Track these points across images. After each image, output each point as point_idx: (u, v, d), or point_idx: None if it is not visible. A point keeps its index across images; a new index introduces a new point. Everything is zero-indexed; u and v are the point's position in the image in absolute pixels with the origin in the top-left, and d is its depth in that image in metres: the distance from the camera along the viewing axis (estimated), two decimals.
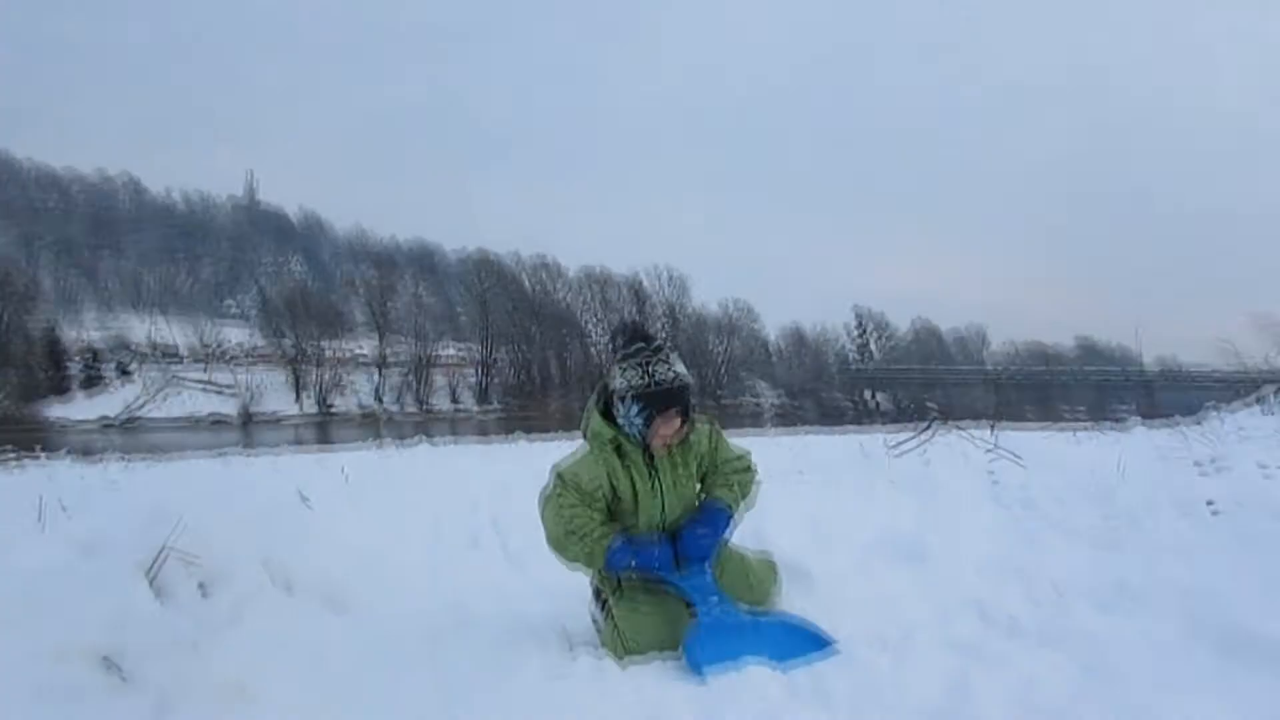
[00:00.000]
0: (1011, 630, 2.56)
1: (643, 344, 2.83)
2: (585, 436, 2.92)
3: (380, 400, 78.88)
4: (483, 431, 33.40)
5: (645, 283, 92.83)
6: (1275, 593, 2.78)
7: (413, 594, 3.67)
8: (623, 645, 2.66)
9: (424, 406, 79.40)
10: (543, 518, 2.90)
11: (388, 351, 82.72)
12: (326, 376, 77.40)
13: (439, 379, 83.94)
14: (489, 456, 11.87)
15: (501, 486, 7.33)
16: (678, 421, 2.79)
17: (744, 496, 2.94)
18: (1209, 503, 4.43)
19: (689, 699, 2.14)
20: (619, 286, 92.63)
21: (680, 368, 2.82)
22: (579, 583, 3.54)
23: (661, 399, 2.74)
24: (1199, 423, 11.04)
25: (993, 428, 9.64)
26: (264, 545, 3.40)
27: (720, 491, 2.90)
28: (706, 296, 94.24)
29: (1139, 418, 18.03)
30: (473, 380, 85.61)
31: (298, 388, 76.88)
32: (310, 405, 74.67)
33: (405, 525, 5.45)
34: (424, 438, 19.19)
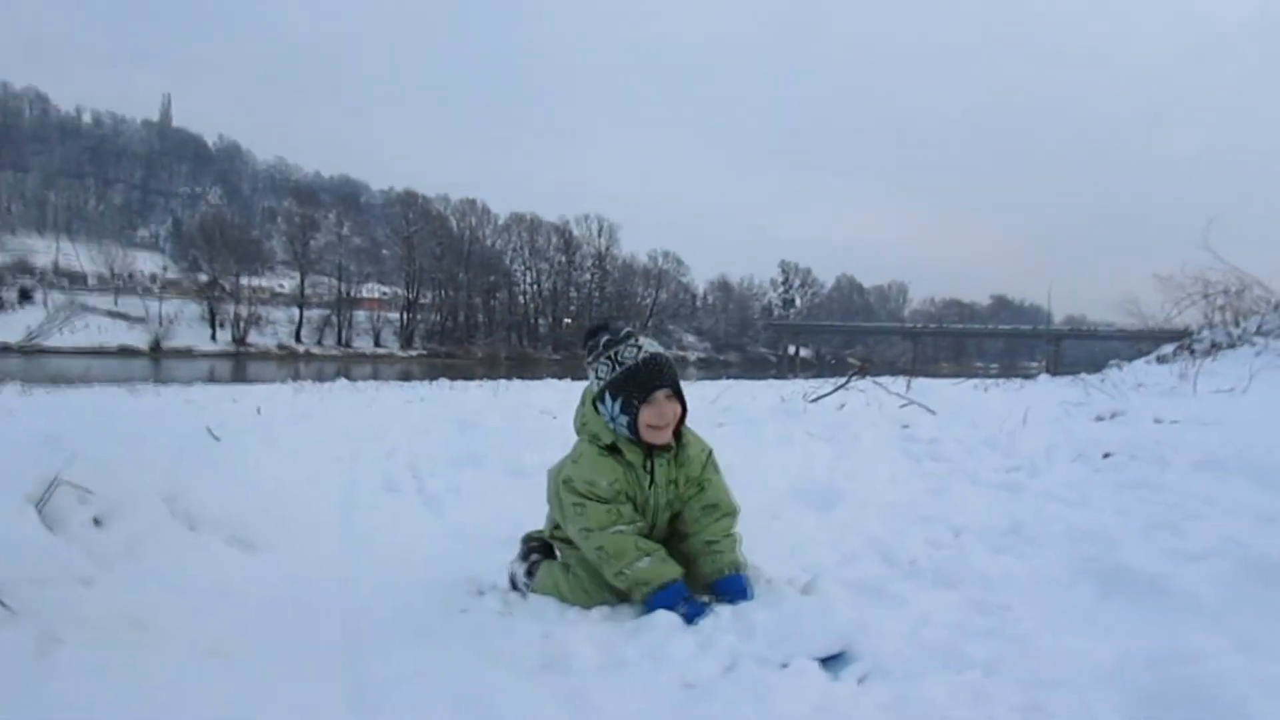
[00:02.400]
0: (910, 572, 2.66)
1: (608, 336, 2.58)
2: (578, 432, 2.67)
3: (300, 338, 76.83)
4: (405, 374, 32.83)
5: (575, 230, 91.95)
6: (1156, 534, 2.95)
7: (324, 535, 3.61)
8: (584, 591, 2.50)
9: (345, 346, 77.78)
10: (572, 535, 2.58)
11: (309, 289, 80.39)
12: (244, 311, 74.81)
13: (362, 319, 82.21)
14: (410, 399, 11.67)
15: (421, 430, 7.24)
16: (671, 406, 2.53)
17: None
18: (1105, 455, 4.66)
19: (590, 635, 2.17)
20: (548, 232, 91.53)
21: (651, 345, 2.57)
22: (491, 526, 3.54)
23: (637, 381, 2.49)
24: (1102, 376, 11.55)
25: (908, 380, 9.89)
26: (167, 480, 3.29)
27: (735, 556, 2.55)
28: (636, 246, 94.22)
29: (1046, 370, 18.81)
30: (396, 322, 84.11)
31: (213, 322, 74.19)
32: (226, 340, 72.19)
33: (320, 465, 5.35)
34: (344, 378, 18.76)
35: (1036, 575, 2.56)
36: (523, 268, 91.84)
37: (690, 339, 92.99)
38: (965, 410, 7.02)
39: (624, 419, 2.52)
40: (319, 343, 77.10)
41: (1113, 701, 1.61)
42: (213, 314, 74.36)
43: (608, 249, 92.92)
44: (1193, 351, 12.95)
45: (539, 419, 7.85)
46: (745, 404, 8.14)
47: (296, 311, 78.77)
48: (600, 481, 2.51)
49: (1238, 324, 13.41)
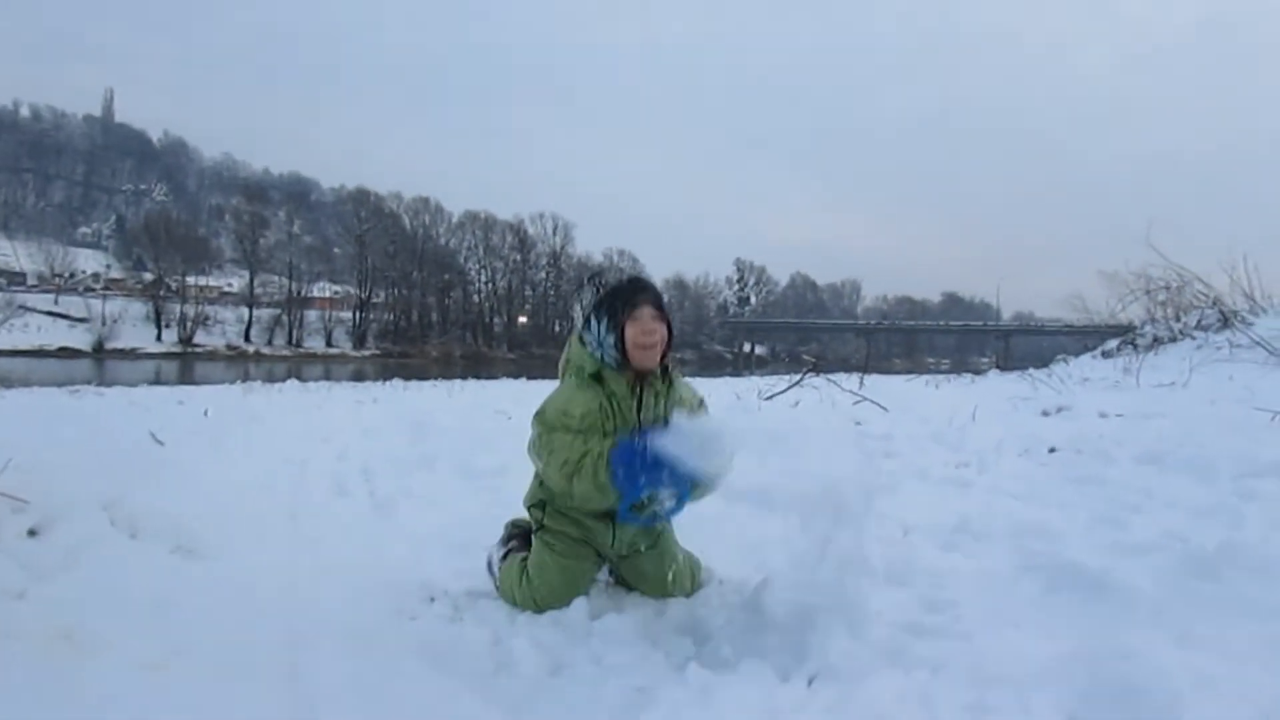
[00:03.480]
0: (861, 570, 2.67)
1: (594, 276, 2.59)
2: (562, 376, 2.58)
3: (249, 338, 75.26)
4: (358, 374, 32.33)
5: (530, 229, 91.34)
6: (1099, 529, 3.02)
7: (271, 541, 3.51)
8: (531, 598, 2.45)
9: (296, 346, 76.39)
10: (543, 473, 2.51)
11: (258, 288, 78.80)
12: (191, 311, 73.00)
13: (313, 319, 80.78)
14: (363, 400, 11.51)
15: (374, 431, 7.14)
16: (657, 326, 2.45)
17: None
18: (1050, 449, 4.76)
19: (539, 641, 2.15)
20: (503, 230, 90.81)
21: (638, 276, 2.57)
22: (443, 530, 3.49)
23: (621, 296, 2.45)
24: (1049, 371, 11.81)
25: (861, 377, 10.00)
26: (108, 487, 3.19)
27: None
28: (591, 244, 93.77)
29: (996, 366, 19.20)
30: (349, 321, 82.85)
31: (159, 322, 72.22)
32: (173, 340, 70.35)
33: (269, 469, 5.23)
34: (295, 379, 18.43)
35: (984, 572, 2.60)
36: (477, 266, 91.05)
37: None
38: (916, 407, 7.12)
39: (610, 339, 2.43)
40: (269, 343, 75.63)
41: (1054, 700, 1.64)
42: (158, 313, 72.43)
43: (563, 248, 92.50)
44: (1136, 346, 13.31)
45: (494, 419, 7.79)
46: None
47: (246, 311, 77.18)
48: (574, 411, 2.41)
49: (1178, 319, 13.80)
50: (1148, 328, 14.25)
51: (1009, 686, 1.71)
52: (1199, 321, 13.05)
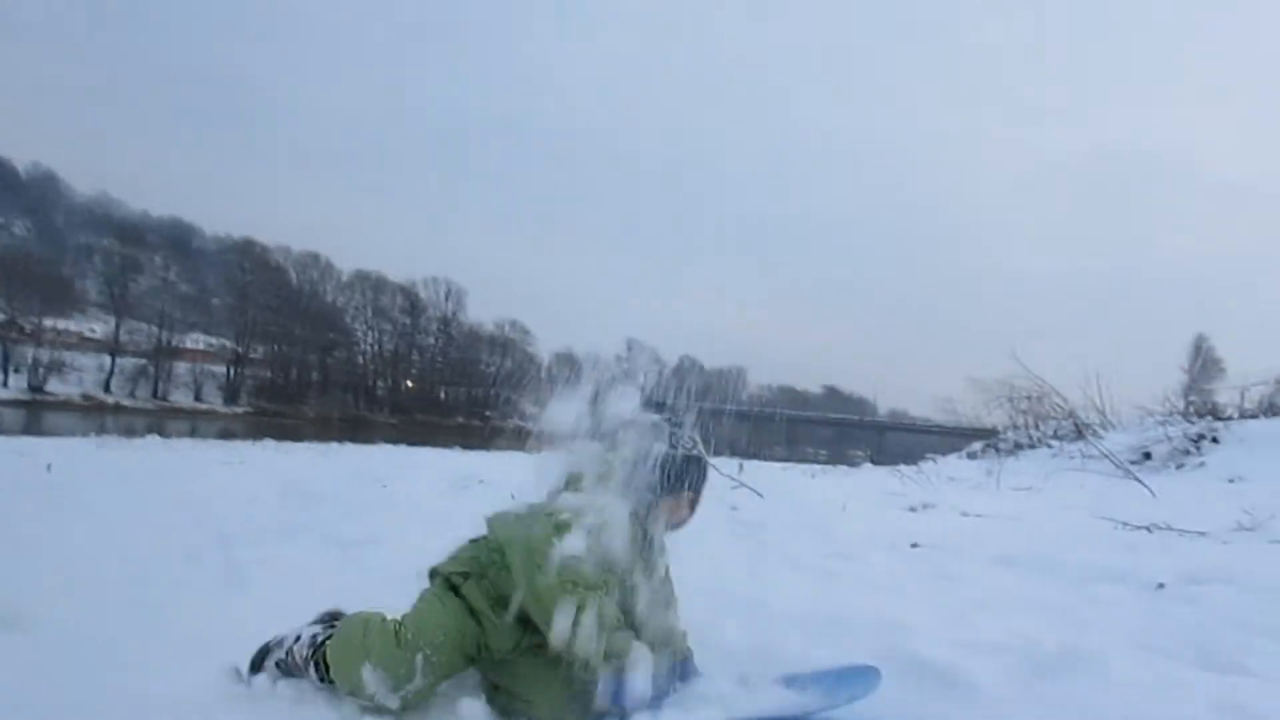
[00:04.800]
0: (722, 657, 2.68)
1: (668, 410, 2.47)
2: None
3: (109, 389, 70.72)
4: (227, 432, 30.75)
5: (422, 293, 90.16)
6: (953, 625, 3.12)
7: (105, 612, 3.23)
8: (394, 636, 2.14)
9: (161, 400, 72.22)
10: (525, 540, 2.16)
11: (124, 335, 74.54)
12: (45, 356, 68.16)
13: (182, 372, 76.75)
14: (229, 460, 10.94)
15: (236, 494, 6.78)
16: (687, 511, 2.50)
17: None
18: (913, 544, 4.93)
19: None
20: (394, 293, 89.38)
21: (699, 446, 2.47)
22: (302, 605, 3.27)
23: (694, 472, 2.44)
24: (918, 468, 12.32)
25: (740, 462, 10.18)
26: None
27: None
28: (483, 314, 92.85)
29: (870, 460, 19.94)
30: (221, 376, 79.10)
31: (5, 365, 67.03)
32: (21, 387, 65.34)
33: (114, 532, 4.87)
34: (157, 435, 17.39)
35: (841, 663, 2.64)
36: (364, 327, 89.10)
37: (535, 411, 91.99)
38: (792, 495, 7.28)
39: (652, 494, 2.37)
40: (132, 394, 71.29)
41: None
42: (5, 357, 67.35)
43: (454, 314, 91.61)
44: (998, 450, 14.08)
45: (369, 486, 7.55)
46: None
47: (108, 359, 72.75)
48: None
49: (1037, 427, 14.69)
50: (1009, 433, 15.11)
51: None
52: (1055, 431, 13.92)
